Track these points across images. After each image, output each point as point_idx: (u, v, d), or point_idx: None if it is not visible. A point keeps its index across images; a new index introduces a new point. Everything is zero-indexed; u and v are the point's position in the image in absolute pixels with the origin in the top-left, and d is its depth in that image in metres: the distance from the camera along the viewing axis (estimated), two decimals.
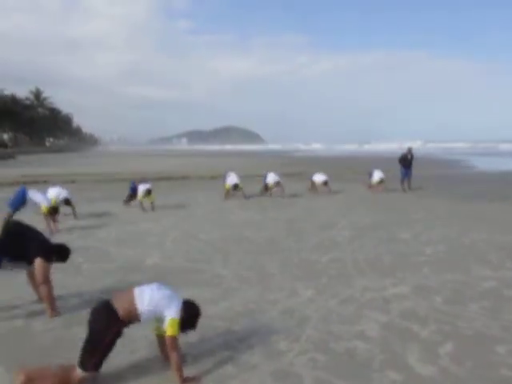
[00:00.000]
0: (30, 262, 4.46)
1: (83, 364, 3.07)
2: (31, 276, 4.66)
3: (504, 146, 77.73)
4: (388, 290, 5.21)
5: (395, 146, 78.41)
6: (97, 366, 3.09)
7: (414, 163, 16.43)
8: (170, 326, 3.13)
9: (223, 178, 14.37)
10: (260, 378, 3.27)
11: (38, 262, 4.39)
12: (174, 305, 3.20)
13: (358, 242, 7.65)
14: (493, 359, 3.55)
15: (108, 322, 3.10)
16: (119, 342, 3.74)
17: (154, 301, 3.17)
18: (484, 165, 33.33)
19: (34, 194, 8.73)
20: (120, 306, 3.15)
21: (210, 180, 20.54)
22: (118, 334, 3.16)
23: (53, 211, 8.96)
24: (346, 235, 8.25)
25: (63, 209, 10.41)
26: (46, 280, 4.44)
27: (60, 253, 4.58)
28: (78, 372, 3.07)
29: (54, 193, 10.06)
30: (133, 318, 3.18)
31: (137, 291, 3.25)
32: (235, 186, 13.60)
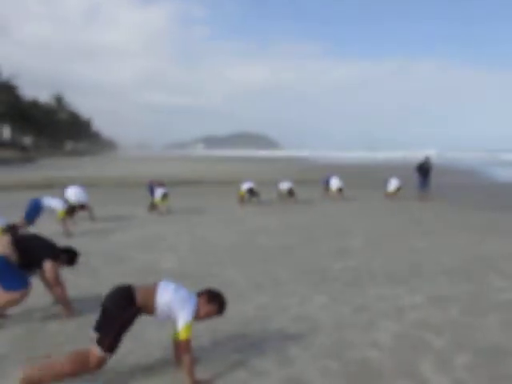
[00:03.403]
0: (40, 266, 4.48)
1: (100, 342, 3.09)
2: (44, 279, 4.72)
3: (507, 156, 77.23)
4: (402, 298, 5.16)
5: (409, 154, 77.82)
6: (111, 347, 3.10)
7: (431, 172, 16.25)
8: (183, 329, 3.16)
9: (239, 185, 14.42)
10: (271, 383, 3.27)
11: (47, 265, 4.43)
12: (188, 308, 3.22)
13: (373, 250, 7.59)
14: (509, 372, 3.48)
15: (124, 305, 3.14)
16: (133, 345, 3.80)
17: (171, 301, 3.20)
18: (499, 175, 32.72)
19: (48, 201, 8.79)
20: (140, 294, 3.20)
21: (225, 185, 20.62)
22: (132, 321, 3.18)
23: (70, 211, 9.14)
24: (361, 243, 8.20)
25: (80, 212, 10.60)
26: (57, 282, 4.49)
27: (68, 255, 4.61)
28: (96, 351, 3.08)
29: (72, 194, 10.29)
30: (148, 309, 3.22)
31: (161, 285, 3.29)
32: (250, 191, 13.64)
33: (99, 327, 3.14)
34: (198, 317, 3.32)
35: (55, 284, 4.48)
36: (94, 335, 3.14)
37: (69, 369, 3.07)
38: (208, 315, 3.38)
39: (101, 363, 3.12)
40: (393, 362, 3.62)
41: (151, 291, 3.25)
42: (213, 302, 3.35)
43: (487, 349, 3.87)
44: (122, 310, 3.13)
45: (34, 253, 4.46)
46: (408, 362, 3.61)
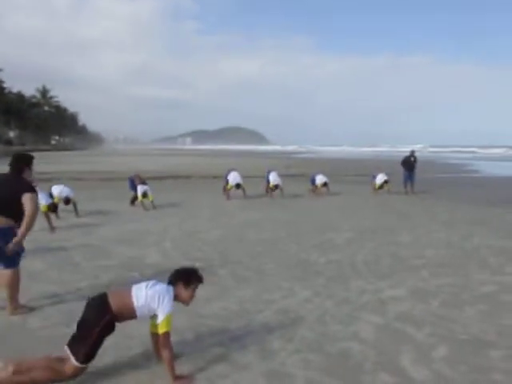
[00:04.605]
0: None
1: (75, 353, 3.06)
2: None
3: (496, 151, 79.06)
4: (385, 292, 5.20)
5: (400, 149, 78.87)
6: (87, 357, 3.07)
7: (417, 166, 16.42)
8: (163, 322, 3.15)
9: (225, 176, 14.33)
10: (252, 377, 3.27)
11: (26, 197, 4.22)
12: (167, 300, 3.21)
13: (358, 244, 7.64)
14: (486, 363, 3.54)
15: (99, 313, 3.11)
16: (114, 339, 3.77)
17: (147, 298, 3.20)
18: (486, 170, 33.18)
19: None
20: (114, 301, 3.17)
21: (212, 179, 20.58)
22: (109, 328, 3.16)
23: (53, 208, 9.02)
24: (346, 237, 8.24)
25: (66, 206, 10.50)
26: (36, 212, 4.30)
27: (22, 159, 4.46)
28: (72, 362, 3.06)
29: (57, 190, 10.16)
30: (128, 314, 3.20)
31: (134, 289, 3.28)
32: (237, 186, 13.63)
33: (73, 340, 3.11)
34: (183, 302, 3.37)
35: (34, 214, 4.26)
36: (67, 351, 3.09)
37: (43, 375, 3.04)
38: (191, 296, 3.40)
39: (76, 373, 3.09)
40: (374, 354, 3.66)
41: (127, 297, 3.21)
42: (190, 284, 3.36)
43: (466, 341, 3.93)
44: (97, 318, 3.09)
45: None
46: (389, 355, 3.65)
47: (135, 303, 3.18)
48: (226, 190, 13.85)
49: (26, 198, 4.23)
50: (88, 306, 3.21)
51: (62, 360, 3.11)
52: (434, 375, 3.35)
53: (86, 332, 3.08)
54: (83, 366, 3.09)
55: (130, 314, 3.20)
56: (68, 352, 3.08)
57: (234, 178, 13.75)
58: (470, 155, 69.57)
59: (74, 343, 3.10)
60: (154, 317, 3.29)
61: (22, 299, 4.66)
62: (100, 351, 3.28)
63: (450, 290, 5.27)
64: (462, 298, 5.00)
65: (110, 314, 3.13)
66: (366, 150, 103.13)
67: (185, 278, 3.37)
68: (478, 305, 4.80)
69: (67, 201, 10.23)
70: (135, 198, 11.89)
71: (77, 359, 3.04)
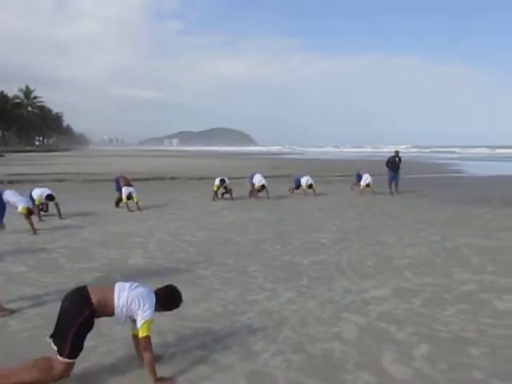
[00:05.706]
0: None
1: (59, 349, 3.03)
2: None
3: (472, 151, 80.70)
4: (368, 292, 5.24)
5: (383, 150, 79.85)
6: (72, 353, 3.03)
7: (402, 166, 16.57)
8: (143, 327, 3.12)
9: (212, 180, 14.32)
10: (234, 378, 3.27)
11: None
12: (148, 305, 3.18)
13: (342, 245, 7.68)
14: (466, 361, 3.59)
15: (78, 309, 3.05)
16: (97, 342, 3.73)
17: (129, 299, 3.17)
18: (468, 169, 33.65)
19: (10, 196, 8.44)
20: (96, 295, 3.13)
21: (198, 181, 20.52)
22: (88, 325, 3.11)
23: (30, 212, 8.85)
24: (331, 237, 8.28)
25: (49, 209, 10.37)
26: None
27: None
28: (58, 358, 3.03)
29: (38, 193, 10.00)
30: (107, 311, 3.16)
31: (117, 287, 3.25)
32: (222, 181, 13.59)
33: (55, 334, 3.08)
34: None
35: None
36: (51, 343, 3.08)
37: (31, 376, 3.00)
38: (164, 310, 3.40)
39: (66, 370, 3.07)
40: (356, 354, 3.68)
41: (109, 293, 3.19)
42: (166, 309, 3.40)
43: (447, 339, 3.97)
44: (77, 313, 3.04)
45: None
46: (370, 355, 3.68)
47: (116, 301, 3.15)
48: (213, 191, 13.80)
49: None
50: (68, 299, 3.14)
51: (50, 359, 3.08)
52: (415, 374, 3.39)
53: (66, 328, 3.03)
54: (70, 361, 3.05)
55: (108, 310, 3.16)
56: (53, 346, 3.06)
57: (219, 178, 13.78)
58: (452, 155, 70.49)
59: (56, 338, 3.06)
60: (132, 323, 3.26)
61: (2, 301, 4.58)
62: (80, 355, 3.25)
63: (432, 290, 5.33)
64: (444, 297, 5.07)
65: (90, 309, 3.07)
66: (350, 151, 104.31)
67: (166, 303, 3.36)
68: (458, 304, 4.86)
69: (50, 197, 10.05)
70: (120, 199, 11.78)
71: (61, 355, 3.02)
